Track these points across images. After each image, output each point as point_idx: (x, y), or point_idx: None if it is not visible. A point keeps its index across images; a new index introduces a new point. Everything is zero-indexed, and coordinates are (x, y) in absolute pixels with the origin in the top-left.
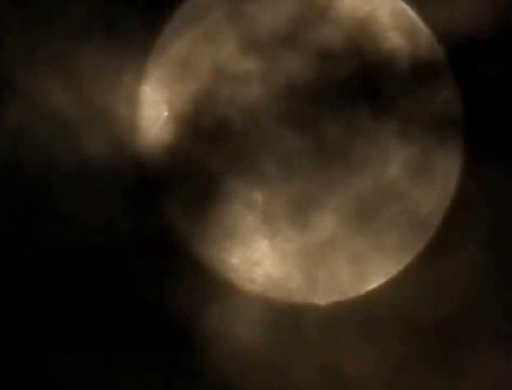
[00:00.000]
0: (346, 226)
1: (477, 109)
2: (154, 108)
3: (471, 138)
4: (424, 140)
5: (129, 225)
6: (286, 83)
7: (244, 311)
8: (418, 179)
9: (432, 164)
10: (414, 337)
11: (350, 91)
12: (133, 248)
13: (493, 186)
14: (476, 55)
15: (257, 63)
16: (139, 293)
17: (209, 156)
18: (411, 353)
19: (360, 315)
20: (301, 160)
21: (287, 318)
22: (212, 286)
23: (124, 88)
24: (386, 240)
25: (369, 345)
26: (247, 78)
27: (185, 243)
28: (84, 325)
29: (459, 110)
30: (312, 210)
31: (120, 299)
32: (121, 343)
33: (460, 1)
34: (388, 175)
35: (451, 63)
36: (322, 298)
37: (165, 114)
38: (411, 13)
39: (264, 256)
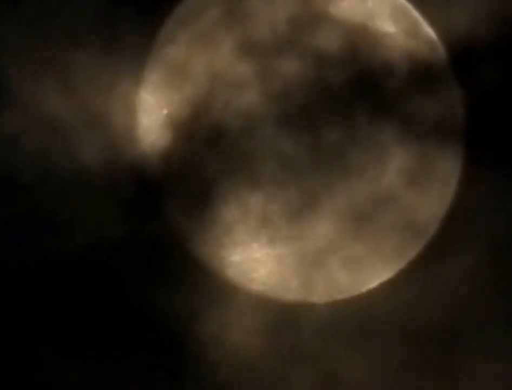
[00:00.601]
0: (343, 230)
1: (478, 114)
2: (151, 113)
3: (471, 143)
4: (423, 145)
5: (126, 231)
6: (283, 87)
7: (241, 316)
8: (416, 184)
9: (430, 170)
10: (411, 342)
11: (348, 96)
12: (130, 255)
13: (493, 192)
14: (478, 59)
15: (254, 67)
16: (136, 299)
17: (206, 161)
18: (408, 358)
19: (357, 320)
20: (298, 164)
21: (284, 322)
22: (209, 291)
23: (120, 93)
24: (384, 245)
25: (366, 350)
26: (243, 83)
27: (182, 248)
28: (80, 332)
29: (460, 115)
30: (309, 215)
31: (117, 306)
32: (118, 348)
33: (462, 4)
34: (386, 180)
35: (452, 67)
36: (319, 300)
37: (162, 119)
38: (411, 17)
39: (261, 261)
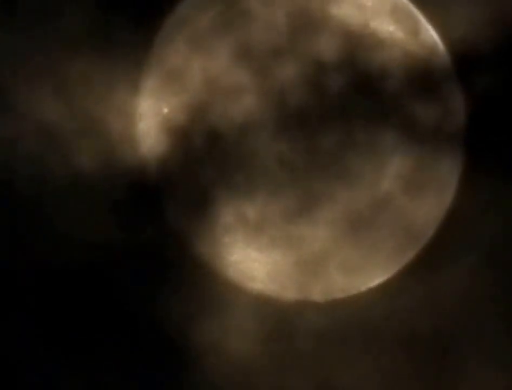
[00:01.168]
0: (340, 234)
1: (478, 118)
2: (148, 119)
3: (471, 149)
4: (421, 150)
5: (124, 236)
6: (280, 92)
7: (236, 325)
8: (413, 189)
9: (428, 175)
10: (408, 347)
11: (346, 101)
12: (127, 261)
13: (491, 198)
14: (479, 63)
15: (251, 72)
16: (133, 305)
17: (204, 166)
18: (405, 363)
19: (353, 327)
20: (295, 169)
21: (281, 327)
22: (206, 299)
23: (117, 99)
24: (381, 250)
25: (362, 357)
26: (240, 88)
27: (180, 253)
28: (78, 337)
29: (459, 120)
30: (305, 223)
31: (115, 311)
32: (115, 353)
33: (464, 7)
34: (384, 185)
35: (452, 71)
36: (316, 304)
37: (159, 124)
38: (411, 20)
39: (257, 269)
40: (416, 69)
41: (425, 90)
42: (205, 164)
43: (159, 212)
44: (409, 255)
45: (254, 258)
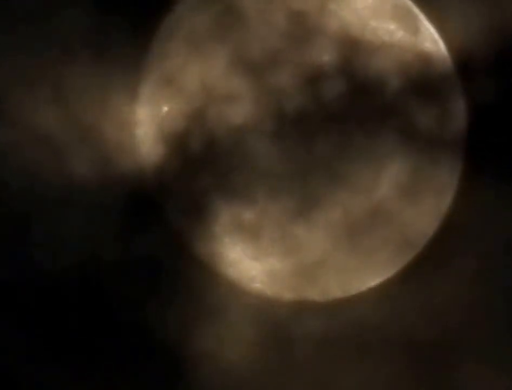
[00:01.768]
0: (336, 245)
1: (476, 127)
2: (144, 126)
3: (469, 157)
4: (418, 157)
5: (119, 245)
6: (276, 100)
7: (233, 333)
8: (410, 196)
9: (425, 183)
10: (407, 355)
11: (342, 108)
12: (124, 269)
13: (489, 206)
14: (480, 70)
15: (247, 80)
16: (128, 315)
17: (200, 174)
18: (402, 371)
19: (351, 332)
20: (290, 179)
21: (277, 336)
22: (202, 305)
23: (112, 106)
24: (377, 259)
25: (361, 363)
26: (237, 96)
27: (175, 262)
28: (72, 348)
29: (457, 128)
30: (302, 227)
31: (109, 321)
32: (109, 363)
33: (467, 10)
34: (380, 192)
35: (452, 78)
36: (312, 316)
37: (155, 132)
38: (404, 32)
39: (253, 276)
40: (416, 71)
41: (424, 94)
42: (202, 169)
43: (157, 219)
44: (406, 260)
45: (251, 263)
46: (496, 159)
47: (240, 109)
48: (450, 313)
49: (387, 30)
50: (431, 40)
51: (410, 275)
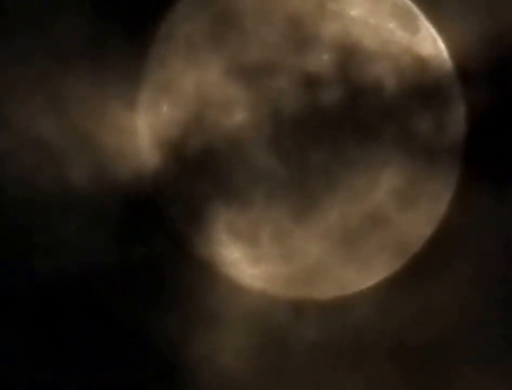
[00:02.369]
0: (333, 249)
1: (472, 134)
2: (141, 134)
3: (467, 164)
4: (414, 165)
5: (116, 252)
6: (272, 107)
7: (229, 340)
8: (406, 203)
9: (421, 190)
10: (401, 361)
11: (337, 118)
12: (120, 276)
13: (484, 214)
14: (481, 77)
15: (242, 89)
16: (126, 322)
17: (196, 181)
18: (397, 378)
19: (347, 339)
20: (287, 184)
21: (273, 343)
22: (201, 311)
23: (109, 114)
24: (373, 264)
25: (355, 370)
26: (233, 103)
27: (172, 269)
28: (70, 355)
29: (453, 135)
30: (298, 234)
31: (108, 328)
32: (107, 370)
33: (467, 11)
34: (376, 199)
35: (451, 85)
36: (307, 323)
37: (152, 139)
38: (400, 39)
39: (250, 281)
40: (414, 73)
41: (422, 98)
42: (200, 175)
43: (155, 224)
44: (402, 265)
45: (249, 268)
46: (493, 164)
47: (237, 114)
48: (446, 318)
49: (387, 29)
50: (431, 39)
51: (406, 280)
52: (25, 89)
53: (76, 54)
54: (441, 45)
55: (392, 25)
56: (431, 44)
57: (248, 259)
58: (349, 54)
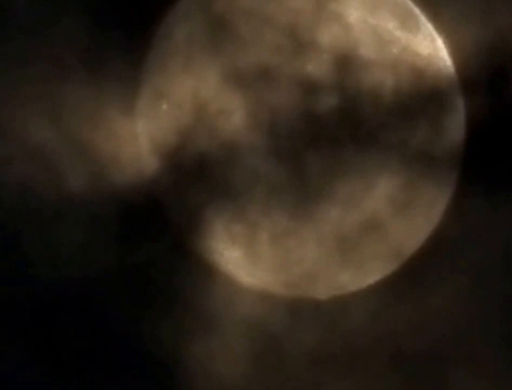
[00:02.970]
0: (327, 257)
1: (469, 141)
2: (137, 142)
3: (465, 173)
4: (409, 173)
5: (112, 259)
6: (269, 116)
7: (224, 348)
8: (401, 211)
9: (416, 198)
10: (396, 369)
11: (333, 125)
12: (117, 284)
13: (480, 222)
14: (481, 85)
15: (239, 97)
16: (122, 328)
17: (192, 189)
18: (393, 386)
19: (342, 345)
20: (283, 193)
21: (269, 350)
22: (196, 320)
23: (107, 121)
24: (368, 272)
25: (352, 378)
26: (230, 111)
27: (168, 278)
28: (66, 362)
29: (450, 143)
30: (293, 243)
31: (105, 334)
32: (103, 377)
33: (468, 15)
34: (371, 207)
35: (441, 91)
36: (304, 330)
37: (148, 147)
38: (396, 46)
39: (248, 287)
40: (415, 74)
41: (420, 104)
42: (196, 183)
43: (151, 232)
44: (397, 274)
45: (244, 277)
46: (488, 172)
47: (232, 123)
48: (441, 326)
49: (386, 28)
50: (430, 39)
51: (402, 286)
52: (22, 96)
53: (73, 61)
54: (441, 45)
55: (392, 25)
56: (431, 44)
57: (246, 265)
58: (348, 55)
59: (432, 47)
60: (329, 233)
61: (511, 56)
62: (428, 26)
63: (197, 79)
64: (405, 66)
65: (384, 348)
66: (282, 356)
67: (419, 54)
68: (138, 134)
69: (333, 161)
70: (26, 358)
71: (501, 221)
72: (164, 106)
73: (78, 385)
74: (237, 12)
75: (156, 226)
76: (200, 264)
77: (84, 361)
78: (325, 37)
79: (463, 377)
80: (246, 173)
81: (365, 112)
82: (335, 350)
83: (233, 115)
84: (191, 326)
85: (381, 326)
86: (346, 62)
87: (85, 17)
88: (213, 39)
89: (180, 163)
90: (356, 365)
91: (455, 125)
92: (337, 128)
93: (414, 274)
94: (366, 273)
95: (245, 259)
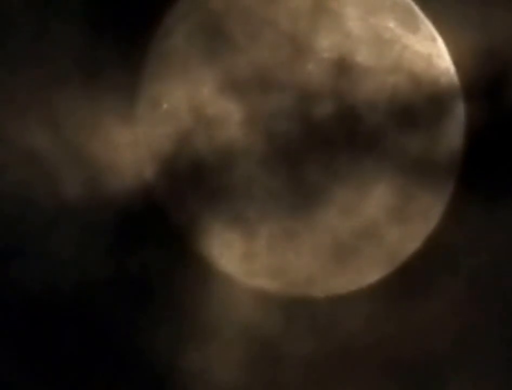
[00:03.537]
0: (323, 265)
1: (467, 149)
2: (133, 149)
3: (458, 179)
4: (406, 180)
5: (109, 266)
6: (265, 123)
7: (221, 355)
8: (397, 219)
9: (412, 205)
10: (393, 377)
11: (330, 132)
12: (114, 290)
13: (476, 230)
14: (482, 93)
15: (235, 104)
16: (120, 336)
17: (187, 198)
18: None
19: (338, 353)
20: (280, 198)
21: (266, 356)
22: (192, 327)
23: (103, 128)
24: (364, 280)
25: (348, 384)
26: (226, 118)
27: (166, 283)
28: (61, 367)
29: (447, 151)
30: (289, 250)
31: (102, 341)
32: (99, 385)
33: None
34: (368, 215)
35: (440, 93)
36: (300, 337)
37: (144, 154)
38: (396, 46)
39: (243, 295)
40: (415, 75)
41: (418, 109)
42: (192, 191)
43: (147, 239)
44: (394, 281)
45: (240, 283)
46: (486, 179)
47: (228, 130)
48: (438, 333)
49: (386, 28)
50: (430, 39)
51: (398, 296)
52: (17, 103)
53: (69, 68)
54: (441, 45)
55: (391, 25)
56: (431, 44)
57: (243, 269)
58: (348, 56)
59: (432, 47)
60: (325, 238)
61: None
62: (428, 26)
63: (195, 85)
64: (404, 66)
65: (380, 352)
66: (279, 359)
67: (419, 54)
68: (135, 140)
69: (330, 166)
70: (21, 365)
71: (498, 227)
72: (162, 112)
73: None
74: (234, 16)
75: (154, 232)
76: (198, 269)
77: (81, 367)
78: (324, 38)
79: (459, 381)
80: (243, 178)
81: (363, 117)
82: (332, 353)
83: (231, 121)
84: (189, 331)
85: (378, 331)
86: (345, 63)
87: (82, 24)
88: (210, 45)
89: (178, 169)
90: (353, 369)
91: (454, 130)
92: (334, 133)
93: (410, 280)
94: (362, 278)
95: (242, 263)
